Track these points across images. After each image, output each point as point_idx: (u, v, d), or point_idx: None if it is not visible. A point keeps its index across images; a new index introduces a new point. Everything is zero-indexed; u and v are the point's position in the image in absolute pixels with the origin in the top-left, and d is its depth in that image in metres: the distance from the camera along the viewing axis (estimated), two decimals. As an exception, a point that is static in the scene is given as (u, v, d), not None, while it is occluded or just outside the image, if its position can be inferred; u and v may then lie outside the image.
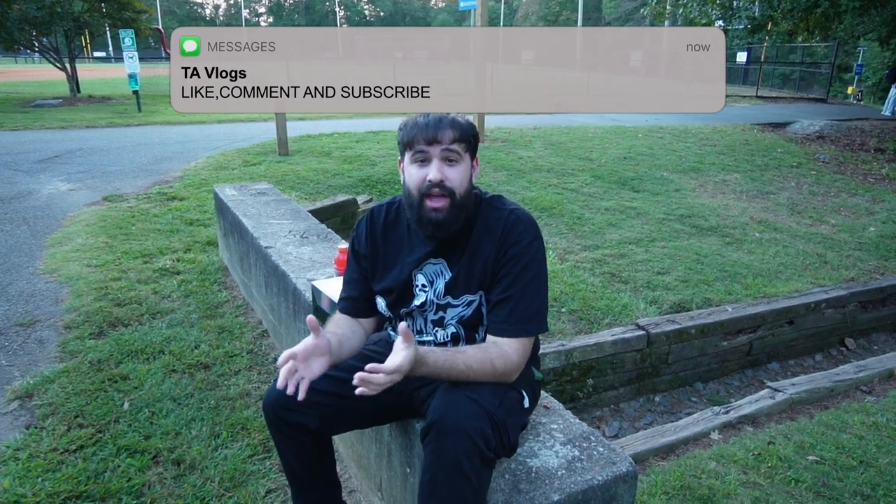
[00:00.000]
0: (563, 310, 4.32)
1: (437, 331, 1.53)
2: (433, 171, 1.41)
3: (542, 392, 1.72)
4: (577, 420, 1.65)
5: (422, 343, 1.48)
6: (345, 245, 2.63)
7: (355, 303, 1.65)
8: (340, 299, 1.70)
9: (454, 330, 1.51)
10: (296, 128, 9.69)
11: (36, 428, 2.38)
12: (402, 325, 1.29)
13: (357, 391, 1.23)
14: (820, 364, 4.85)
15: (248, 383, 2.77)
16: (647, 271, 5.17)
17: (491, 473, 1.30)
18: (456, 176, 1.43)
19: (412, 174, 1.45)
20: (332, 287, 2.13)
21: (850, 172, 9.53)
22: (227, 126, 11.38)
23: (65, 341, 3.10)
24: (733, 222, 6.73)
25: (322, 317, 2.16)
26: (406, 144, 1.45)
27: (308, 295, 2.43)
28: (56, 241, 4.80)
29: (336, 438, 2.13)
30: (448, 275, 1.49)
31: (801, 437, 2.82)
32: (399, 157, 1.52)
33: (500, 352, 1.40)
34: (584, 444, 1.51)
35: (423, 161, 1.43)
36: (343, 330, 1.57)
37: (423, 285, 1.51)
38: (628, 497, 1.44)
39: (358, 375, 1.21)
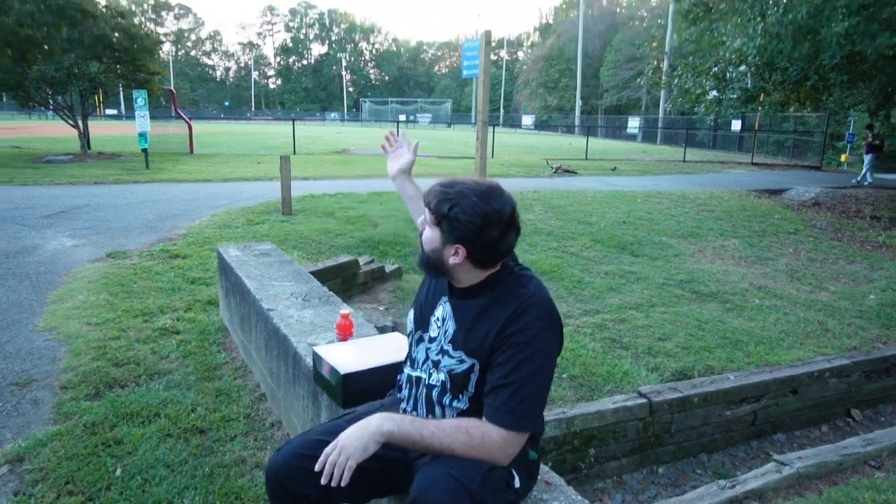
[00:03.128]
0: (564, 376, 4.28)
1: (431, 371, 1.56)
2: (419, 220, 1.69)
3: (543, 466, 1.69)
4: (580, 497, 1.61)
5: (415, 378, 1.60)
6: (346, 310, 2.64)
7: None
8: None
9: (443, 378, 1.53)
10: (300, 187, 9.87)
11: (24, 495, 2.32)
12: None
13: (323, 481, 1.34)
14: (826, 436, 4.75)
15: (244, 450, 2.71)
16: (648, 337, 5.15)
17: None
18: (424, 234, 1.56)
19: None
20: (334, 353, 2.13)
21: (848, 239, 9.62)
22: (233, 185, 11.58)
23: (60, 402, 3.06)
24: (733, 288, 6.74)
25: (323, 384, 2.14)
26: None
27: (309, 360, 2.42)
28: (58, 297, 4.80)
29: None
30: (452, 326, 1.53)
31: (810, 515, 2.75)
32: None
33: (479, 425, 1.39)
34: (588, 525, 1.48)
35: None
36: None
37: (438, 319, 1.58)
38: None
39: (317, 466, 1.36)
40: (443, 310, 1.59)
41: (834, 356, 5.05)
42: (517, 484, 1.44)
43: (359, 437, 1.38)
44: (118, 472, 2.49)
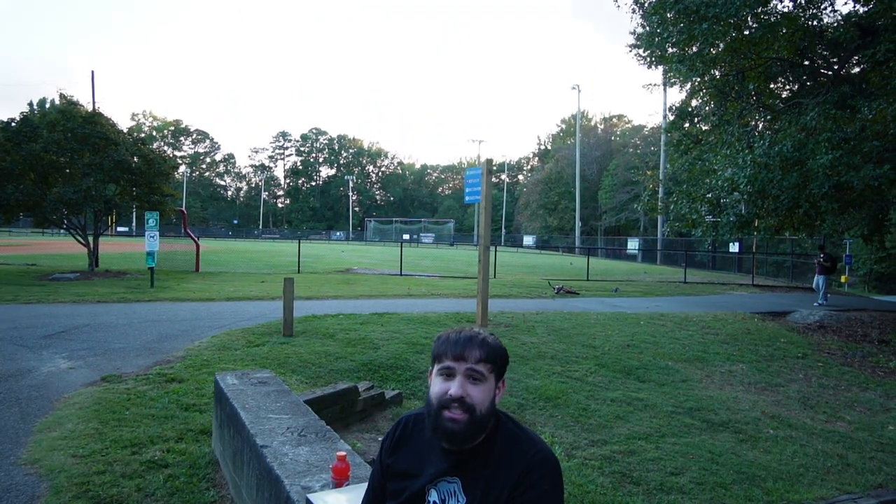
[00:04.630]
0: (573, 517, 4.01)
1: None
2: (455, 387, 1.43)
3: None
4: None
5: None
6: (343, 451, 2.54)
7: None
8: (363, 500, 1.70)
9: None
10: (302, 307, 9.88)
11: None
12: None
13: None
14: (861, 587, 4.36)
15: None
16: (659, 471, 4.89)
17: None
18: (477, 394, 1.44)
19: (436, 385, 1.48)
20: (328, 502, 2.01)
21: (858, 365, 9.44)
22: (236, 304, 11.61)
23: (32, 548, 2.85)
24: (745, 417, 6.51)
25: None
26: (436, 357, 1.50)
27: (301, 507, 2.28)
28: (45, 425, 4.64)
29: None
30: (463, 499, 1.45)
31: None
32: (430, 367, 1.55)
33: None
34: None
35: (449, 376, 1.46)
36: None
37: (435, 503, 1.47)
38: None
39: None
40: (438, 492, 1.49)
41: (859, 495, 4.76)
42: None
43: None
44: None
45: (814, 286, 16.29)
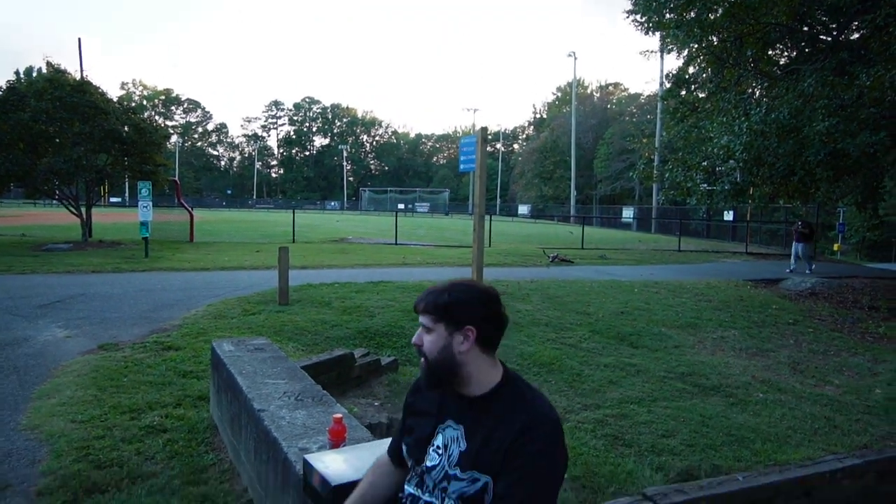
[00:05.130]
0: (566, 476, 4.09)
1: (443, 497, 1.52)
2: (414, 337, 1.59)
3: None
4: None
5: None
6: (339, 413, 2.57)
7: (397, 448, 1.74)
8: (391, 440, 1.82)
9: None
10: (297, 276, 9.89)
11: None
12: None
13: None
14: (843, 543, 4.50)
15: (227, 564, 2.55)
16: (651, 434, 4.99)
17: None
18: (426, 343, 1.55)
19: None
20: (325, 462, 2.04)
21: (848, 331, 9.57)
22: (231, 273, 11.61)
23: (35, 510, 2.91)
24: (735, 381, 6.62)
25: (312, 494, 2.04)
26: None
27: (299, 467, 2.32)
28: (44, 392, 4.68)
29: None
30: (463, 445, 1.51)
31: None
32: None
33: None
34: None
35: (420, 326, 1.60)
36: (375, 478, 1.74)
37: (439, 447, 1.55)
38: None
39: None
40: (444, 436, 1.57)
41: (844, 455, 4.87)
42: None
43: None
44: (90, 591, 2.32)
45: (793, 254, 16.15)
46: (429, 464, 1.55)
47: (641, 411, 5.48)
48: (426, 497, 1.54)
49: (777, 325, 9.45)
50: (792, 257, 15.88)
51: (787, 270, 15.25)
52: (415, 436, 1.64)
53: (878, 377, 7.28)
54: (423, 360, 1.56)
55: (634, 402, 5.73)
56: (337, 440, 2.33)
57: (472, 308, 1.55)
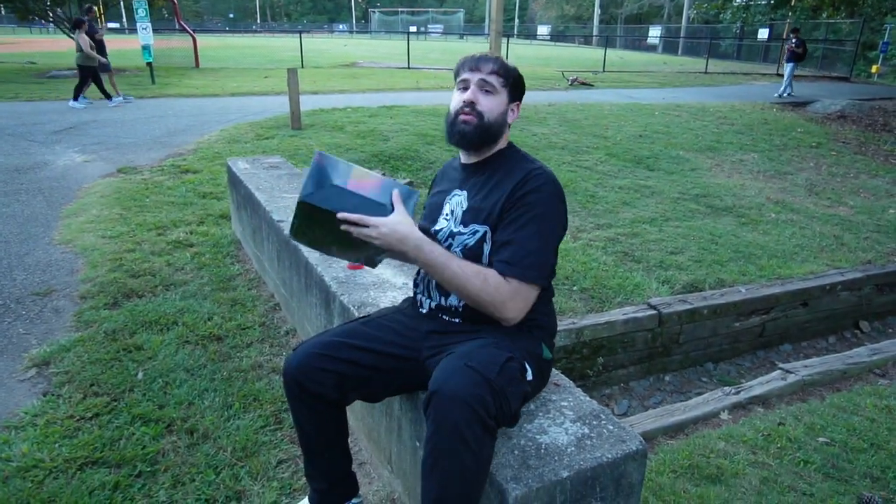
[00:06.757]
0: (575, 288, 4.30)
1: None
2: (468, 93, 1.57)
3: (553, 370, 1.72)
4: (588, 398, 1.64)
5: None
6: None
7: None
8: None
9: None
10: (308, 102, 9.65)
11: (53, 395, 2.42)
12: (396, 192, 1.45)
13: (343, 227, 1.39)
14: (833, 346, 4.81)
15: (260, 356, 2.79)
16: (660, 251, 5.13)
17: (493, 443, 1.28)
18: (487, 102, 1.56)
19: (455, 98, 1.61)
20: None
21: (872, 153, 9.34)
22: (241, 99, 11.35)
23: (80, 311, 3.15)
24: (749, 203, 6.64)
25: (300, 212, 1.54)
26: (456, 73, 1.63)
27: (320, 269, 2.44)
28: (71, 211, 4.84)
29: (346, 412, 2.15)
30: (465, 205, 1.59)
31: (812, 418, 2.81)
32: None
33: (495, 275, 1.44)
34: (594, 422, 1.51)
35: (465, 88, 1.59)
36: None
37: (447, 214, 1.63)
38: (637, 475, 1.44)
39: (345, 216, 1.38)
40: (453, 202, 1.64)
41: (847, 270, 5.02)
42: (530, 377, 1.47)
43: (400, 227, 1.40)
44: (140, 375, 2.58)
45: (786, 73, 14.69)
46: (436, 227, 1.63)
47: (652, 230, 5.58)
48: None
49: (799, 149, 9.24)
50: (786, 80, 14.44)
51: (777, 95, 14.00)
52: (432, 207, 1.71)
53: (895, 198, 7.24)
54: (467, 117, 1.55)
55: (646, 221, 5.81)
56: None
57: (523, 88, 1.66)
